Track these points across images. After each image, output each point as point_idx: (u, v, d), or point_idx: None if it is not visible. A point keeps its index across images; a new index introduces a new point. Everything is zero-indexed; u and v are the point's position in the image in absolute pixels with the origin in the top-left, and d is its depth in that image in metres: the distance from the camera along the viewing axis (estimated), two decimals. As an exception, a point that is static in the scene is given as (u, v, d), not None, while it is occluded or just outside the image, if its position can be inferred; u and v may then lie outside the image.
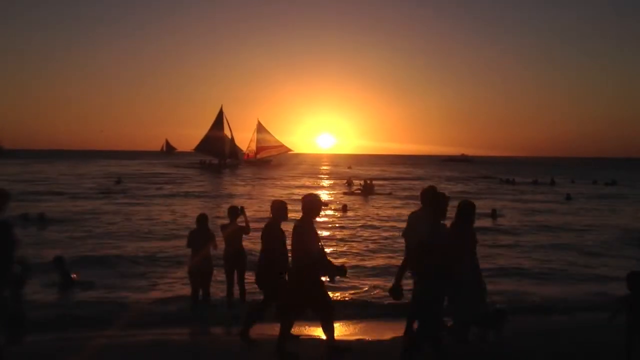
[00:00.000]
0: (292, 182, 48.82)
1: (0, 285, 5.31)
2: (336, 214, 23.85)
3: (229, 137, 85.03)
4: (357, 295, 9.83)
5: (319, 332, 6.74)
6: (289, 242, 6.14)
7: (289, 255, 6.26)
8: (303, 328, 7.07)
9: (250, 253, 9.18)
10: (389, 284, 10.52)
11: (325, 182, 50.73)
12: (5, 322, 5.32)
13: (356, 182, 40.08)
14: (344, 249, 14.97)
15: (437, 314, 5.51)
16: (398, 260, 12.98)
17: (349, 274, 7.08)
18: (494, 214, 22.32)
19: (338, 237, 17.04)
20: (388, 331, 7.30)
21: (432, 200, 6.04)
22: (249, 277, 8.43)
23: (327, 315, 5.87)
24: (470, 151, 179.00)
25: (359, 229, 19.20)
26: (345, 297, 9.59)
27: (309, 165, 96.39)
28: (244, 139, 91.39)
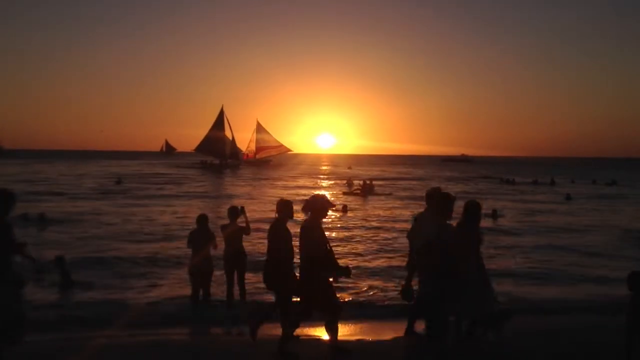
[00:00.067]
0: (293, 183, 48.81)
1: (4, 285, 5.32)
2: (336, 214, 23.84)
3: (230, 137, 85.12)
4: (357, 295, 9.82)
5: (319, 332, 6.75)
6: (295, 242, 6.14)
7: (296, 254, 6.27)
8: (303, 328, 7.06)
9: (250, 254, 9.19)
10: (389, 285, 10.61)
11: (325, 183, 50.72)
12: (6, 323, 5.32)
13: (356, 182, 40.08)
14: (345, 249, 14.97)
15: (443, 313, 5.51)
16: (398, 261, 13.03)
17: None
18: (494, 214, 22.31)
19: (338, 237, 17.03)
20: (388, 331, 7.30)
21: (438, 200, 6.05)
22: (249, 277, 8.45)
23: (333, 315, 5.87)
24: (470, 151, 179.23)
25: (358, 229, 19.20)
26: (345, 297, 9.58)
27: (309, 166, 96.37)
28: (244, 139, 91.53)
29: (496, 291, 6.38)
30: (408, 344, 6.56)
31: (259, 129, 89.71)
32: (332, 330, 5.88)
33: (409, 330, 6.78)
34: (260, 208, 24.70)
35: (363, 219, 22.12)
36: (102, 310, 8.47)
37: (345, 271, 5.91)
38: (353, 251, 14.75)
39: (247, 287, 8.89)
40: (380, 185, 42.26)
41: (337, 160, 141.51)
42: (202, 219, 8.62)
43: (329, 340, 5.96)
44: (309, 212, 5.93)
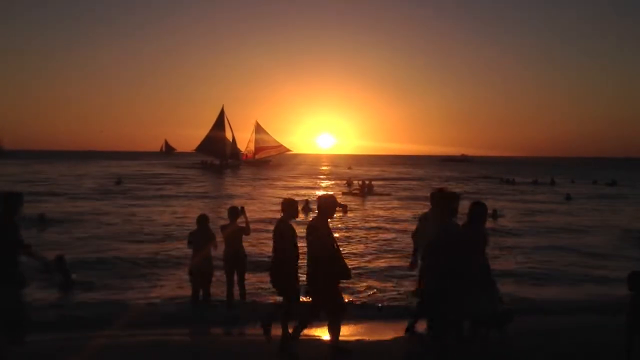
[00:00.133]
0: (293, 183, 48.82)
1: (7, 285, 5.33)
2: (338, 214, 23.85)
3: (231, 137, 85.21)
4: (357, 296, 9.82)
5: (319, 332, 6.75)
6: (301, 242, 6.13)
7: (299, 254, 6.28)
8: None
9: (250, 254, 9.19)
10: (388, 285, 10.61)
11: (325, 183, 50.72)
12: (7, 323, 5.33)
13: (355, 182, 40.09)
14: (345, 250, 14.95)
15: (445, 314, 5.49)
16: (398, 261, 13.04)
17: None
18: (494, 215, 22.28)
19: (338, 237, 16.99)
20: (388, 332, 7.31)
21: (443, 200, 6.04)
22: (249, 278, 8.44)
23: (337, 315, 5.87)
24: (470, 151, 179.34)
25: (358, 229, 19.20)
26: (345, 298, 9.57)
27: (309, 166, 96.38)
28: (244, 139, 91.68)
29: (501, 292, 6.38)
30: (408, 343, 6.56)
31: (258, 129, 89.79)
32: (334, 331, 5.88)
33: (410, 329, 6.78)
34: (260, 208, 24.71)
35: (362, 219, 22.12)
36: (102, 311, 8.47)
37: (345, 274, 5.91)
38: (353, 251, 14.74)
39: (247, 288, 8.90)
40: (380, 186, 42.27)
41: (337, 161, 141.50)
42: (203, 220, 8.62)
43: (330, 340, 5.97)
44: (317, 212, 5.94)
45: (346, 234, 17.82)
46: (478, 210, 6.05)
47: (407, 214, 24.67)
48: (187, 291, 8.79)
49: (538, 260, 13.64)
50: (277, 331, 6.37)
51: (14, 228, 5.47)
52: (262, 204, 28.14)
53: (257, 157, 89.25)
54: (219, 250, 8.58)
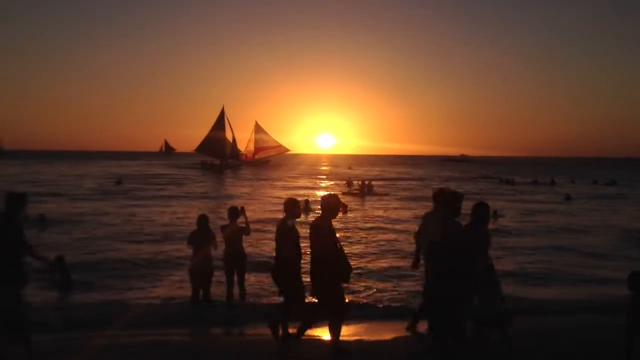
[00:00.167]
0: (292, 183, 48.83)
1: (8, 285, 5.33)
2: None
3: (231, 137, 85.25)
4: (357, 296, 9.82)
5: (319, 332, 6.75)
6: (304, 241, 6.13)
7: (302, 253, 6.28)
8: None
9: (250, 254, 9.19)
10: (388, 285, 10.60)
11: (325, 183, 50.73)
12: (9, 323, 5.33)
13: (355, 182, 40.10)
14: (345, 250, 14.91)
15: (448, 314, 5.47)
16: (398, 262, 13.04)
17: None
18: (494, 215, 22.27)
19: (338, 238, 16.99)
20: (387, 332, 7.32)
21: (447, 199, 6.03)
22: (250, 278, 8.43)
23: (339, 316, 5.87)
24: (470, 151, 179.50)
25: (357, 229, 19.19)
26: (345, 298, 9.58)
27: (309, 166, 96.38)
28: (244, 139, 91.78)
29: (505, 293, 6.38)
30: (408, 343, 6.56)
31: (257, 129, 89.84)
32: (335, 331, 5.87)
33: (411, 328, 6.77)
34: (260, 208, 24.71)
35: (362, 220, 22.11)
36: (102, 311, 8.47)
37: (345, 275, 5.92)
38: (352, 251, 14.74)
39: (247, 288, 8.90)
40: (379, 186, 42.28)
41: (337, 161, 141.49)
42: (203, 220, 8.62)
43: (330, 340, 5.96)
44: (320, 212, 5.94)
45: (346, 234, 17.80)
46: (481, 210, 6.05)
47: (407, 214, 24.67)
48: (187, 291, 8.79)
49: (538, 260, 13.64)
50: (263, 331, 6.39)
51: (17, 228, 5.48)
52: (262, 204, 28.14)
53: (256, 157, 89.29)
54: (219, 250, 8.58)
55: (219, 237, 8.59)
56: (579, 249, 15.57)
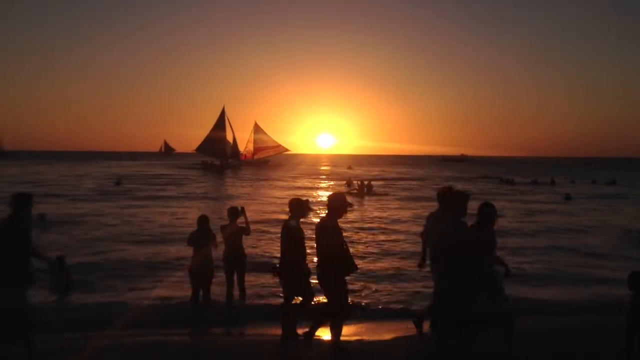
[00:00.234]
0: (292, 183, 48.84)
1: (9, 285, 5.33)
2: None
3: (231, 137, 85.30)
4: (356, 296, 9.82)
5: (319, 332, 6.74)
6: (309, 242, 6.13)
7: (307, 254, 6.28)
8: (301, 328, 7.07)
9: (250, 255, 9.18)
10: (388, 285, 10.60)
11: (325, 183, 50.72)
12: (9, 323, 5.33)
13: (355, 182, 40.12)
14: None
15: (453, 314, 5.46)
16: (398, 262, 13.05)
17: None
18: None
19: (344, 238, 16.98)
20: (387, 332, 7.31)
21: (452, 199, 6.03)
22: (250, 278, 8.43)
23: (340, 316, 5.87)
24: (469, 151, 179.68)
25: (357, 229, 19.18)
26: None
27: (309, 166, 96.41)
28: (244, 139, 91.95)
29: (509, 293, 6.38)
30: (408, 344, 6.56)
31: (257, 129, 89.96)
32: (336, 330, 5.87)
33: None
34: (260, 209, 24.72)
35: (361, 220, 22.11)
36: (102, 311, 8.46)
37: (352, 267, 5.93)
38: (352, 252, 14.73)
39: (246, 288, 8.90)
40: (379, 186, 42.28)
41: (337, 161, 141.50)
42: (203, 220, 8.61)
43: (330, 340, 5.96)
44: (326, 211, 5.93)
45: (345, 234, 17.76)
46: (487, 211, 6.06)
47: (407, 214, 24.69)
48: (187, 291, 8.78)
49: (538, 260, 13.64)
50: (264, 332, 6.38)
51: (23, 229, 5.49)
52: (262, 204, 28.14)
53: (255, 157, 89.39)
54: (218, 250, 8.59)
55: (220, 238, 8.59)
56: (579, 249, 15.57)
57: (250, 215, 9.34)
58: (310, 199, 24.53)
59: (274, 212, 23.59)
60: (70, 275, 10.16)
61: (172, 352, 6.38)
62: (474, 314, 5.93)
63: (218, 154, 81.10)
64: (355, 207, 27.33)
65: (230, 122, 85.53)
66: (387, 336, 6.99)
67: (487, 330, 6.22)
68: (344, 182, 44.31)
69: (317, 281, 5.97)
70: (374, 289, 10.22)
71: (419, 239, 7.45)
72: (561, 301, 9.64)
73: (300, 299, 6.44)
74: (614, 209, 28.37)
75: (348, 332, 7.33)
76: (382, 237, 17.38)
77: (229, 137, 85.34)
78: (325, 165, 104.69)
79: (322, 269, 5.79)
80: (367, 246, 15.63)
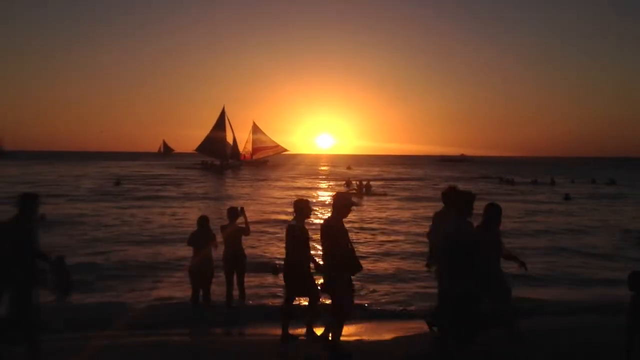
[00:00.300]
0: (292, 183, 48.84)
1: (10, 286, 5.33)
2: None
3: (231, 138, 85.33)
4: (356, 296, 9.80)
5: (319, 332, 6.74)
6: (314, 242, 6.13)
7: (311, 255, 6.28)
8: (302, 329, 7.07)
9: (249, 255, 9.18)
10: (388, 285, 10.60)
11: (324, 183, 50.71)
12: (9, 323, 5.33)
13: (354, 182, 40.12)
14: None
15: (458, 314, 5.45)
16: (398, 262, 13.05)
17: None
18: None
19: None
20: (387, 332, 7.31)
21: (458, 198, 6.01)
22: (249, 278, 8.42)
23: (341, 316, 5.86)
24: (469, 151, 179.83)
25: (356, 230, 19.15)
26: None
27: (308, 166, 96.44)
28: (244, 139, 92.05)
29: (513, 294, 6.38)
30: (408, 344, 6.56)
31: (255, 129, 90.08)
32: (336, 331, 5.86)
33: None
34: (259, 209, 24.72)
35: (361, 220, 22.10)
36: (103, 311, 8.47)
37: (357, 267, 5.93)
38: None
39: (246, 288, 8.90)
40: (379, 186, 42.28)
41: (336, 161, 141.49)
42: (203, 221, 8.61)
43: (331, 340, 5.96)
44: (331, 211, 5.92)
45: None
46: (493, 211, 6.06)
47: (407, 214, 24.68)
48: (187, 291, 8.79)
49: (538, 261, 13.63)
50: (263, 332, 6.38)
51: (29, 229, 5.49)
52: (261, 204, 28.14)
53: (254, 157, 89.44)
54: (218, 250, 8.58)
55: (220, 238, 8.59)
56: (579, 249, 15.57)
57: (249, 215, 9.34)
58: (310, 199, 24.52)
59: (274, 212, 23.59)
60: (70, 275, 10.15)
61: (172, 352, 6.38)
62: (475, 314, 5.93)
63: (218, 154, 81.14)
64: (354, 207, 27.34)
65: (230, 122, 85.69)
66: (387, 336, 6.99)
67: (487, 330, 6.23)
68: (343, 182, 44.30)
69: (322, 281, 5.96)
70: (374, 290, 10.21)
71: (418, 239, 7.47)
72: (561, 301, 9.64)
73: (303, 299, 6.44)
74: (614, 209, 28.37)
75: (348, 332, 7.33)
76: (382, 238, 17.36)
77: (229, 138, 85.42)
78: (324, 166, 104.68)
79: (327, 269, 5.78)
80: (366, 246, 15.61)
